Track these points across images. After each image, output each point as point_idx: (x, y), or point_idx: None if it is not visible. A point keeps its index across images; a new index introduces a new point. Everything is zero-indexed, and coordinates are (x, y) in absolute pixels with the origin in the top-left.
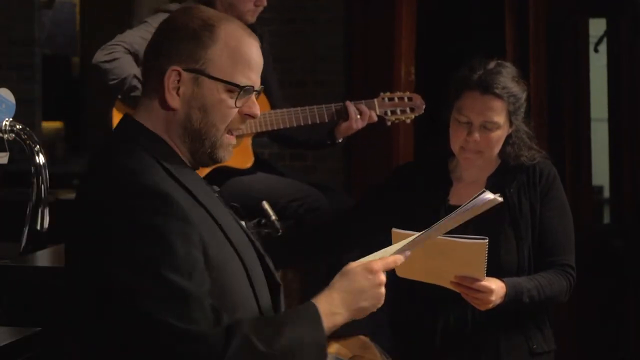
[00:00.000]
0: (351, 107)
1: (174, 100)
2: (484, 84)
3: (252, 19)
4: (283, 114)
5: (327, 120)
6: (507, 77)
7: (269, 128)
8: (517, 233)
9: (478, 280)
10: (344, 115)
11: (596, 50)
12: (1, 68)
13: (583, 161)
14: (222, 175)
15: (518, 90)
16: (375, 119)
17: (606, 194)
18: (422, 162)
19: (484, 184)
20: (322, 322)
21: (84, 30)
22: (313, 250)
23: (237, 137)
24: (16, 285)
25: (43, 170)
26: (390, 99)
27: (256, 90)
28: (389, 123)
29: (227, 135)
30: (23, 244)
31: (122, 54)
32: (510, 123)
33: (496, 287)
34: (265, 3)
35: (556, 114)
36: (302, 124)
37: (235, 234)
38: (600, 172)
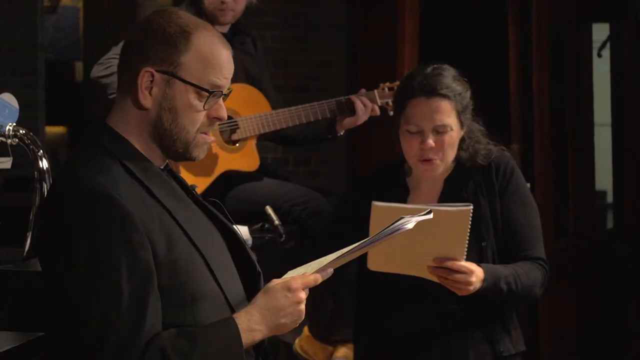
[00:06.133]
0: (358, 101)
1: (146, 100)
2: (426, 87)
3: (224, 19)
4: (285, 113)
5: (328, 116)
6: (448, 78)
7: (272, 129)
8: (477, 236)
9: (457, 260)
10: (346, 109)
11: (599, 55)
12: (4, 73)
13: (586, 166)
14: (230, 179)
15: (462, 89)
16: (378, 112)
17: (609, 198)
18: (378, 171)
19: (441, 187)
20: (240, 338)
21: (87, 35)
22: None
23: (241, 140)
24: (19, 290)
25: (46, 175)
26: (390, 89)
27: (224, 94)
28: (391, 113)
29: (202, 135)
30: (26, 249)
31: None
32: (461, 124)
33: (475, 269)
34: (229, 0)
35: (559, 119)
36: (304, 122)
37: (198, 229)
38: (604, 177)
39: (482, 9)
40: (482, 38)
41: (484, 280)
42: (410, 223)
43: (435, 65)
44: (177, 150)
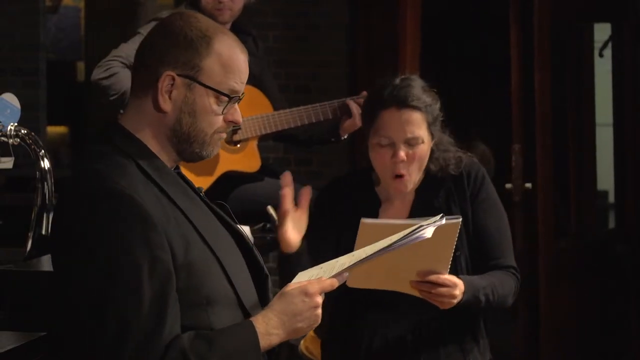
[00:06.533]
0: (352, 104)
1: (165, 103)
2: (397, 98)
3: (222, 18)
4: (286, 114)
5: (330, 117)
6: (418, 89)
7: (273, 130)
8: None
9: (441, 273)
10: (347, 111)
11: (601, 55)
12: (6, 73)
13: (587, 166)
14: (231, 180)
15: (431, 100)
16: None
17: (611, 198)
18: (346, 181)
19: (413, 197)
20: (258, 342)
21: (88, 35)
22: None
23: (243, 141)
24: (20, 290)
25: (48, 175)
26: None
27: (239, 98)
28: None
29: (218, 134)
30: (28, 248)
31: (119, 69)
32: (432, 136)
33: (458, 282)
34: (227, 0)
35: (561, 119)
36: (306, 123)
37: (211, 230)
38: (605, 177)
39: (482, 9)
40: (482, 38)
41: (464, 293)
42: (429, 231)
43: (404, 77)
44: (193, 151)
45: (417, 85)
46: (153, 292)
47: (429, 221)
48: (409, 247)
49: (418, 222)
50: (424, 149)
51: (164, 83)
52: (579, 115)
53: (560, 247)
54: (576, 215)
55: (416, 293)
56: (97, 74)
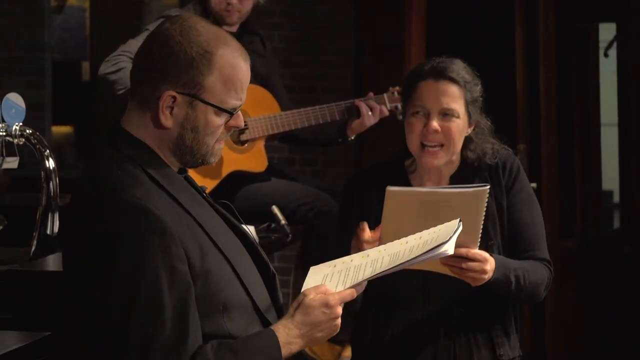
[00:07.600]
0: (362, 105)
1: (167, 120)
2: (436, 70)
3: (229, 19)
4: (294, 115)
5: (337, 119)
6: (459, 65)
7: (281, 130)
8: (484, 235)
9: (471, 248)
10: (355, 112)
11: (606, 55)
12: (11, 73)
13: (593, 166)
14: (237, 180)
15: (472, 80)
16: (387, 113)
17: (616, 198)
18: (376, 169)
19: (447, 184)
20: (280, 352)
21: (93, 35)
22: None
23: (250, 141)
24: (26, 289)
25: (53, 175)
26: (400, 93)
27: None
28: (400, 117)
29: (219, 142)
30: (33, 248)
31: (127, 63)
32: (469, 116)
33: (489, 257)
34: (235, 2)
35: (566, 119)
36: (313, 124)
37: (221, 235)
38: (610, 177)
39: (486, 8)
40: (487, 38)
41: (495, 270)
42: (450, 248)
43: (446, 57)
44: (196, 161)
45: (459, 63)
46: (174, 304)
47: (449, 234)
48: (435, 219)
49: (444, 189)
50: (459, 124)
51: (165, 102)
52: (584, 115)
53: (565, 247)
54: (581, 215)
55: (446, 270)
56: (105, 68)
